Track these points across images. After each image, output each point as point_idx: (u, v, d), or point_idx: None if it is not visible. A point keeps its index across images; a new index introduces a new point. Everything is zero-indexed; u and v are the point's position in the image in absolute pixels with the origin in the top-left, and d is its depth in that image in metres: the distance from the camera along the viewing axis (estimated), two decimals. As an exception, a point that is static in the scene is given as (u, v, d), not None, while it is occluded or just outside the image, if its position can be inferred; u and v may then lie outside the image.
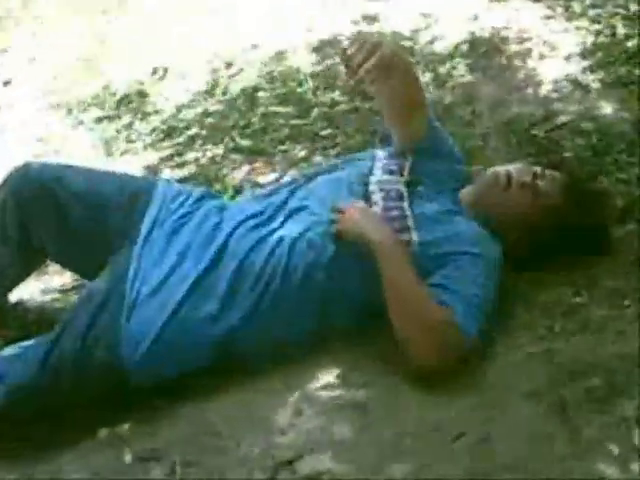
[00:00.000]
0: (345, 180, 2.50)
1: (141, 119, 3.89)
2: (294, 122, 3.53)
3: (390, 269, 2.23)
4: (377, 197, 2.43)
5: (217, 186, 3.21)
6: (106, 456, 2.16)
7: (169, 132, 3.71)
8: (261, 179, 3.23)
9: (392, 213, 2.37)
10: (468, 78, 3.62)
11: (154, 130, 3.78)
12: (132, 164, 3.56)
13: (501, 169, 2.52)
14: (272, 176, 3.22)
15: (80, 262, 2.63)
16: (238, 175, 3.29)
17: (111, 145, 3.73)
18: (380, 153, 2.60)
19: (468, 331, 2.21)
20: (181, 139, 3.64)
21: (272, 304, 2.31)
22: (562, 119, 3.23)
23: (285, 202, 2.50)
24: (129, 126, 3.83)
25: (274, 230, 2.40)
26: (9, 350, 2.36)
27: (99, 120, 3.95)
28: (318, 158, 3.26)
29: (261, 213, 2.47)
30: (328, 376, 2.28)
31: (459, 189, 2.56)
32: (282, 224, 2.42)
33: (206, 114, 3.76)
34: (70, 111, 4.03)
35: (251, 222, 2.44)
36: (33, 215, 2.53)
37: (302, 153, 3.34)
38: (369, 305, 2.30)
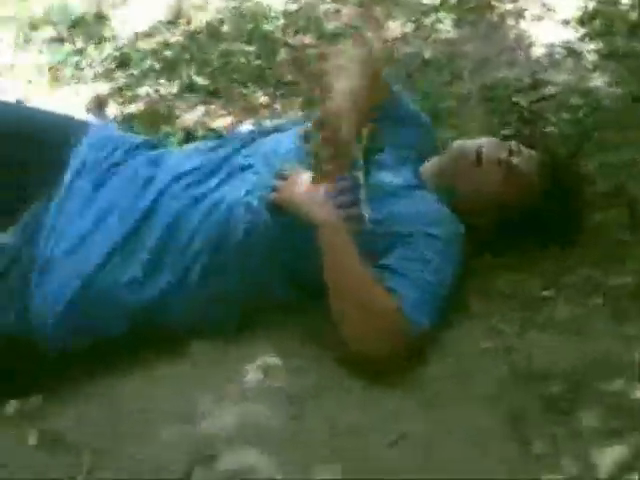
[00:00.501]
0: (295, 141, 2.25)
1: (95, 44, 3.65)
2: (257, 63, 3.28)
3: (331, 252, 2.04)
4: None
5: (167, 128, 2.97)
6: (9, 436, 1.95)
7: (123, 62, 3.47)
8: (216, 123, 2.99)
9: (343, 183, 2.14)
10: (453, 34, 3.39)
11: (107, 58, 3.55)
12: (79, 94, 3.34)
13: (471, 142, 2.30)
14: (227, 120, 2.97)
15: None
16: (191, 117, 3.04)
17: (59, 70, 3.48)
18: None
19: (416, 320, 2.01)
20: (135, 71, 3.41)
21: (202, 272, 2.10)
22: (550, 90, 3.00)
23: (227, 158, 2.27)
24: (81, 51, 3.59)
25: (211, 190, 2.18)
26: None
27: (50, 41, 3.70)
28: (278, 106, 3.02)
29: (199, 169, 2.23)
30: (259, 358, 2.07)
31: (422, 160, 2.34)
32: (221, 183, 2.20)
33: (165, 45, 3.52)
34: (20, 27, 3.74)
35: (188, 179, 2.20)
36: None
37: (263, 99, 3.10)
38: (309, 280, 2.10)
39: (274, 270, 2.13)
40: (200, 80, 3.24)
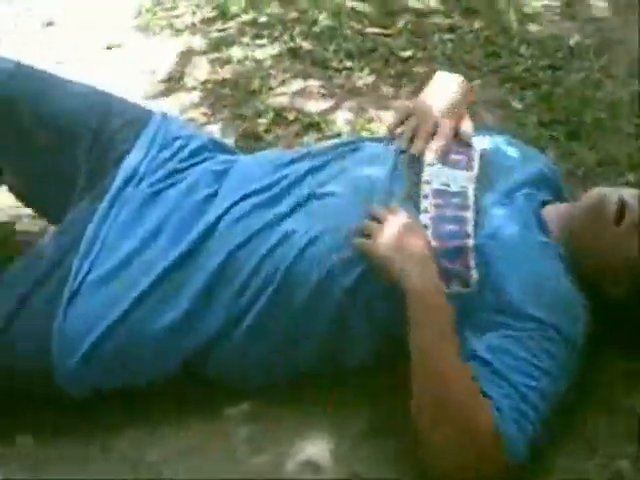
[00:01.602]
0: (391, 163, 1.86)
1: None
2: (371, 31, 2.82)
3: (422, 330, 1.61)
4: (428, 203, 1.78)
5: (256, 103, 2.59)
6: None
7: (221, 13, 3.06)
8: (309, 106, 2.59)
9: (447, 228, 1.73)
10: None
11: (207, 4, 3.14)
12: (166, 45, 2.97)
13: (611, 192, 1.79)
14: (323, 104, 2.57)
15: (39, 202, 2.13)
16: (286, 91, 2.65)
17: (148, 17, 3.12)
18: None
19: (516, 450, 1.56)
20: (232, 24, 2.99)
21: (259, 318, 1.74)
22: None
23: (305, 177, 1.88)
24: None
25: (282, 217, 1.80)
26: None
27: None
28: (388, 89, 2.60)
29: (269, 188, 1.86)
30: (308, 447, 1.70)
31: (546, 202, 1.88)
32: (294, 210, 1.81)
33: (270, -1, 3.10)
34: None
35: (255, 200, 1.83)
36: None
37: (369, 78, 2.66)
38: (391, 354, 1.71)
39: (349, 334, 1.75)
40: (305, 44, 2.82)
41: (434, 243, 1.70)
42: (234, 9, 3.05)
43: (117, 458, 1.73)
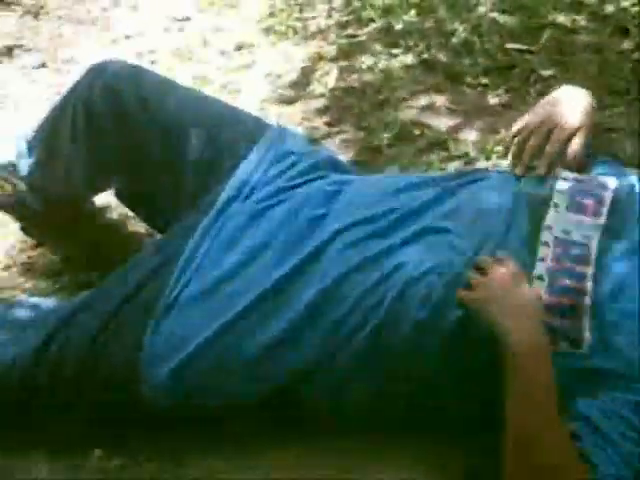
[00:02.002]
0: (513, 200, 1.72)
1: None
2: (513, 46, 2.67)
3: (523, 391, 1.48)
4: (548, 251, 1.64)
5: (380, 116, 2.48)
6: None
7: (355, 17, 2.95)
8: (436, 122, 2.47)
9: (563, 282, 1.59)
10: None
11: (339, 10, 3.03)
12: (295, 49, 2.90)
13: None
14: (450, 121, 2.44)
15: (145, 209, 2.12)
16: (412, 103, 2.52)
17: (280, 19, 3.05)
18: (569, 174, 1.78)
19: None
20: (365, 30, 2.88)
21: (355, 355, 1.65)
22: None
23: (421, 208, 1.76)
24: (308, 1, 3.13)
25: (391, 250, 1.69)
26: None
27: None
28: (524, 110, 2.44)
29: (383, 217, 1.75)
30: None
31: None
32: (405, 244, 1.70)
33: (414, 2, 2.96)
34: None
35: (366, 228, 1.73)
36: (103, 140, 2.02)
37: (505, 97, 2.50)
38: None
39: (445, 384, 1.64)
40: (441, 56, 2.69)
41: (546, 297, 1.58)
42: (369, 14, 2.94)
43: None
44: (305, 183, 1.86)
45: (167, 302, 1.71)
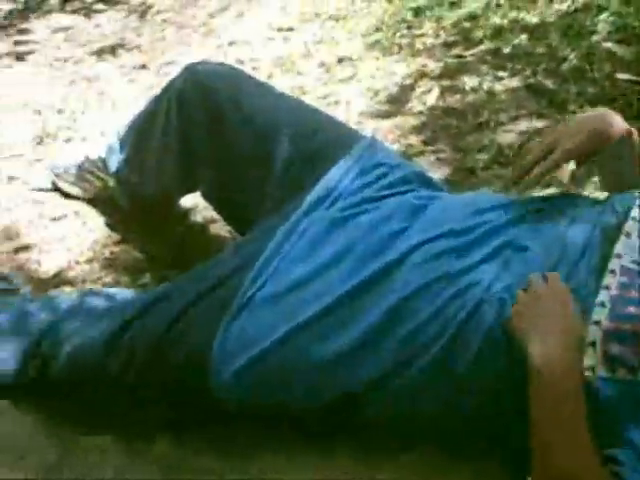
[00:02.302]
0: (591, 227, 1.68)
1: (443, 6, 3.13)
2: (624, 77, 2.60)
3: (546, 421, 1.47)
4: (613, 280, 1.58)
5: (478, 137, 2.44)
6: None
7: (463, 37, 2.92)
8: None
9: (627, 310, 1.53)
10: None
11: (454, 25, 3.01)
12: (399, 65, 2.87)
13: None
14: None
15: (230, 210, 2.11)
16: (512, 127, 2.48)
17: (387, 34, 3.01)
18: None
19: None
20: (472, 51, 2.85)
21: (426, 367, 1.61)
22: None
23: (505, 227, 1.72)
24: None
25: (470, 268, 1.65)
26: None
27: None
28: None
29: (465, 233, 1.71)
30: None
31: None
32: (484, 261, 1.66)
33: (527, 26, 2.91)
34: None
35: (445, 243, 1.69)
36: (195, 139, 2.04)
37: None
38: None
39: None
40: (547, 82, 2.64)
41: (608, 324, 1.52)
42: (478, 35, 2.90)
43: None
44: (392, 195, 1.84)
45: (241, 302, 1.71)
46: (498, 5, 3.07)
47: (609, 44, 2.73)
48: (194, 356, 1.71)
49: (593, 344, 1.52)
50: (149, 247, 2.29)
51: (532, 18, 2.97)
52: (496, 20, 2.99)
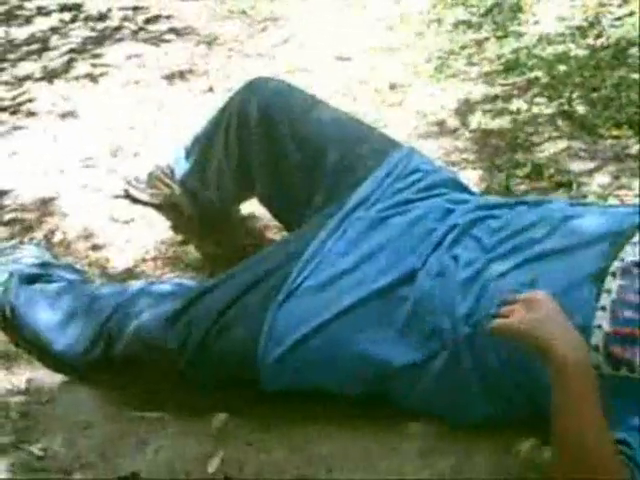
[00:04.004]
0: (602, 236, 1.85)
1: (498, 38, 3.48)
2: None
3: (570, 403, 1.59)
4: (614, 283, 1.74)
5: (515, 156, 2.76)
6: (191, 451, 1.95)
7: (512, 66, 3.26)
8: (568, 165, 2.73)
9: (624, 314, 1.71)
10: None
11: (500, 57, 3.35)
12: (448, 91, 3.21)
13: None
14: (582, 167, 2.70)
15: (283, 215, 2.38)
16: (547, 146, 2.80)
17: (439, 62, 3.36)
18: None
19: None
20: (515, 79, 3.18)
21: (443, 368, 1.88)
22: None
23: (526, 229, 1.94)
24: (480, 43, 3.44)
25: (491, 263, 1.89)
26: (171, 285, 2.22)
27: (457, 24, 3.61)
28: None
29: (493, 234, 1.96)
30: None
31: None
32: (506, 258, 1.89)
33: (563, 57, 3.25)
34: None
35: (472, 245, 1.95)
36: (252, 149, 2.30)
37: (635, 147, 2.75)
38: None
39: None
40: (580, 109, 2.96)
41: (607, 327, 1.70)
42: (522, 67, 3.23)
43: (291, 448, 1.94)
44: (427, 198, 2.08)
45: (288, 290, 1.96)
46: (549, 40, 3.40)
47: (636, 75, 3.05)
48: (243, 340, 1.95)
49: (596, 348, 1.68)
50: (210, 248, 2.57)
51: (573, 52, 3.30)
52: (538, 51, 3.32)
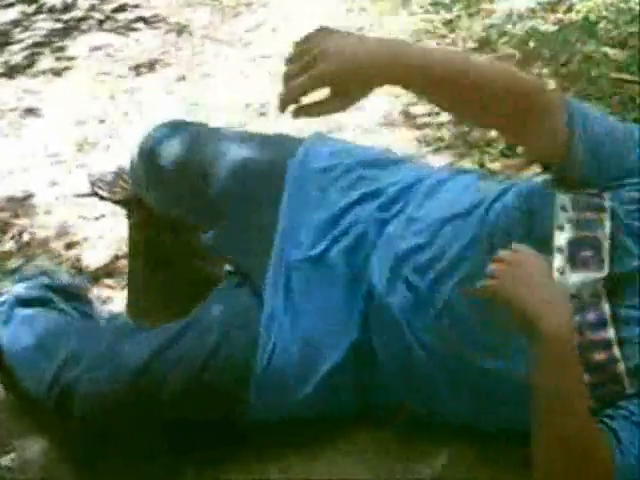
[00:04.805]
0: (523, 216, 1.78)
1: (469, 16, 3.53)
2: (618, 76, 2.97)
3: (553, 379, 1.53)
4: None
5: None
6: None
7: (484, 43, 3.32)
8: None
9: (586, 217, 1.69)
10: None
11: (471, 36, 3.40)
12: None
13: None
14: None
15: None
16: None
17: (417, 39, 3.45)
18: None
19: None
20: (490, 55, 3.25)
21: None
22: None
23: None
24: (451, 21, 3.51)
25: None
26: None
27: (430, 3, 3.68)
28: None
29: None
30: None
31: None
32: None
33: (533, 33, 3.29)
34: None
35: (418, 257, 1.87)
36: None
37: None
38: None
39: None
40: (551, 83, 3.00)
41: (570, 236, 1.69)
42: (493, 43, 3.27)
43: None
44: (351, 207, 1.98)
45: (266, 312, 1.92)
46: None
47: (606, 49, 3.09)
48: (231, 389, 1.88)
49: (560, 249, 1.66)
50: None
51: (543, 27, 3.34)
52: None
